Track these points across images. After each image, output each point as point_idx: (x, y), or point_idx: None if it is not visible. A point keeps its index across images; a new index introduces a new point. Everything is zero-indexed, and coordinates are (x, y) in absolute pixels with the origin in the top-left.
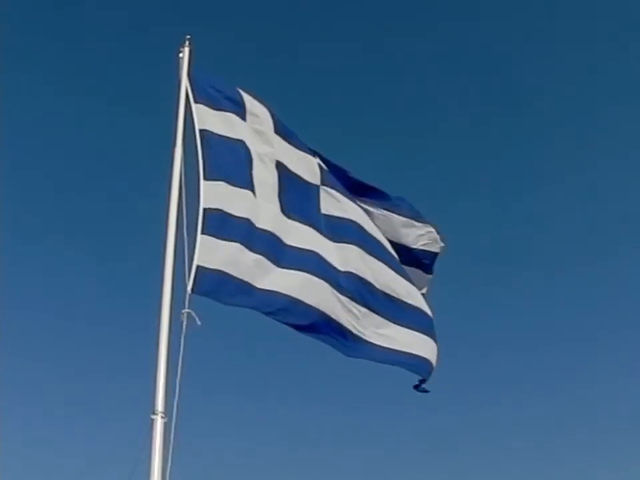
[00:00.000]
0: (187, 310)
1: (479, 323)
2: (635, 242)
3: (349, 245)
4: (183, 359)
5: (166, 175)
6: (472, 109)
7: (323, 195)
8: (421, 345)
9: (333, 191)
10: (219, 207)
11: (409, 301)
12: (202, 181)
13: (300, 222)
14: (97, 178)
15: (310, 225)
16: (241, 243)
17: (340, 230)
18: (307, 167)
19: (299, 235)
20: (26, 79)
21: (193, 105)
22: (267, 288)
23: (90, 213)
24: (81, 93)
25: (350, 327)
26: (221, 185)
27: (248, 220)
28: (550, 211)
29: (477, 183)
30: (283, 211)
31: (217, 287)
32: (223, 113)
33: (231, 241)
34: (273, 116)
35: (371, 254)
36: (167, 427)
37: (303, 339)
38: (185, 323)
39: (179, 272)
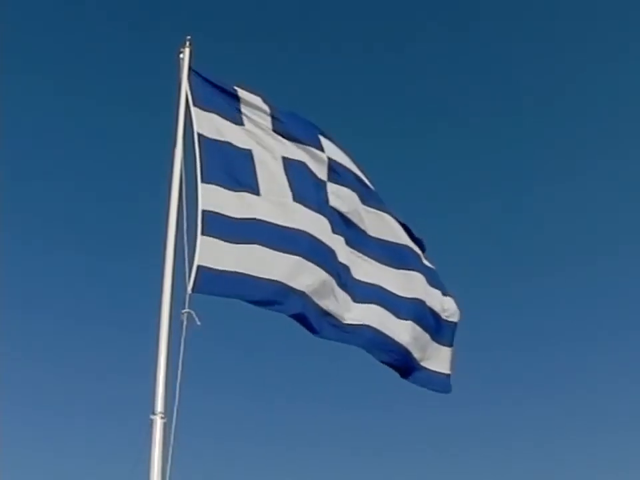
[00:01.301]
0: (187, 310)
1: (479, 322)
2: (635, 242)
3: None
4: (182, 359)
5: (166, 175)
6: (472, 109)
7: (330, 194)
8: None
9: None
10: (218, 210)
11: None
12: (200, 184)
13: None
14: (97, 178)
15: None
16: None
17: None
18: (312, 161)
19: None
20: (26, 79)
21: (192, 108)
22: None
23: (90, 213)
24: (81, 93)
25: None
26: (219, 188)
27: (253, 219)
28: (550, 211)
29: (478, 183)
30: (295, 199)
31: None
32: (221, 117)
33: (232, 241)
34: (272, 113)
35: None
36: (166, 427)
37: (302, 339)
38: (185, 323)
39: (179, 272)
